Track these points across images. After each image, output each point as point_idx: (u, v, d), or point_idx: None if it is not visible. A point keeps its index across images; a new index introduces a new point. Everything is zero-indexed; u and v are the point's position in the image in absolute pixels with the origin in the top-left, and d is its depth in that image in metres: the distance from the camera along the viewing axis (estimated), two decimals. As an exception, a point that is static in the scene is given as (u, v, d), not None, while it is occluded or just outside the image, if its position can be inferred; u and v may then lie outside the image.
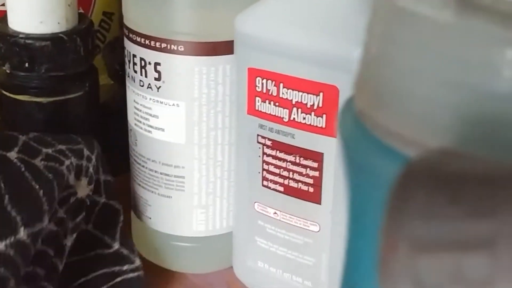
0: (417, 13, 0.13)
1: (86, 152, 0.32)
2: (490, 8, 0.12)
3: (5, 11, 0.35)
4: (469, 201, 0.10)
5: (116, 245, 0.33)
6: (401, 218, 0.10)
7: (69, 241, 0.31)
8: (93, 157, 0.33)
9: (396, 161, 0.12)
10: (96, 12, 0.46)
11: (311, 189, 0.31)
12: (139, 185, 0.37)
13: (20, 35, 0.33)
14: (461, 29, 0.12)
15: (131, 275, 0.32)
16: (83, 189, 0.32)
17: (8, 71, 0.34)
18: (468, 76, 0.12)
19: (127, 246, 0.33)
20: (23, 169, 0.29)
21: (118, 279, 0.32)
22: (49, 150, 0.31)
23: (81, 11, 0.45)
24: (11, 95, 0.35)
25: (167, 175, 0.35)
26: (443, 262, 0.10)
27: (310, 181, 0.30)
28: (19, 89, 0.34)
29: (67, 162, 0.31)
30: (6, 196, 0.28)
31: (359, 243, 0.14)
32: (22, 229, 0.27)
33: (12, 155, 0.30)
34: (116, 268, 0.32)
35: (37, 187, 0.29)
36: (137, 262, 0.33)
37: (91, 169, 0.32)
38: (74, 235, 0.31)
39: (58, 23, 0.34)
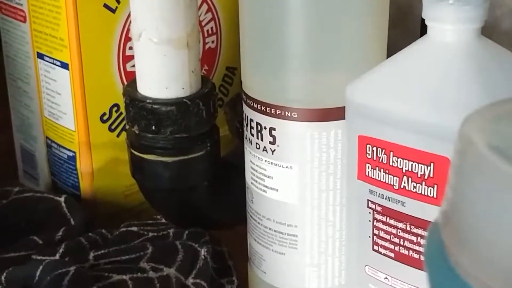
0: (498, 165, 0.13)
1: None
2: None
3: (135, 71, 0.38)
4: None
5: None
6: None
7: None
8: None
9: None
10: (220, 67, 0.48)
11: (422, 258, 0.30)
12: (255, 240, 0.38)
13: (148, 100, 0.36)
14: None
15: None
16: None
17: (137, 132, 0.37)
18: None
19: None
20: None
21: None
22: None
23: (206, 67, 0.48)
24: (140, 154, 0.37)
25: (281, 233, 0.36)
26: None
27: (422, 249, 0.30)
28: (147, 149, 0.37)
29: None
30: None
31: None
32: None
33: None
34: None
35: None
36: None
37: None
38: None
39: (183, 88, 0.36)
